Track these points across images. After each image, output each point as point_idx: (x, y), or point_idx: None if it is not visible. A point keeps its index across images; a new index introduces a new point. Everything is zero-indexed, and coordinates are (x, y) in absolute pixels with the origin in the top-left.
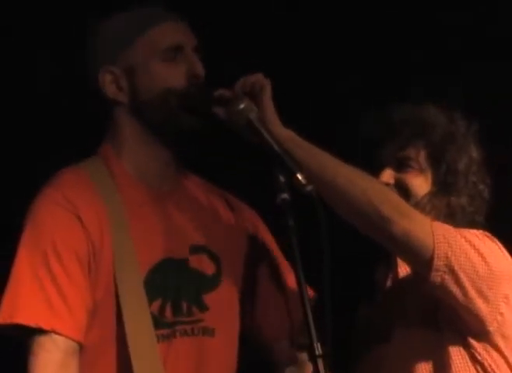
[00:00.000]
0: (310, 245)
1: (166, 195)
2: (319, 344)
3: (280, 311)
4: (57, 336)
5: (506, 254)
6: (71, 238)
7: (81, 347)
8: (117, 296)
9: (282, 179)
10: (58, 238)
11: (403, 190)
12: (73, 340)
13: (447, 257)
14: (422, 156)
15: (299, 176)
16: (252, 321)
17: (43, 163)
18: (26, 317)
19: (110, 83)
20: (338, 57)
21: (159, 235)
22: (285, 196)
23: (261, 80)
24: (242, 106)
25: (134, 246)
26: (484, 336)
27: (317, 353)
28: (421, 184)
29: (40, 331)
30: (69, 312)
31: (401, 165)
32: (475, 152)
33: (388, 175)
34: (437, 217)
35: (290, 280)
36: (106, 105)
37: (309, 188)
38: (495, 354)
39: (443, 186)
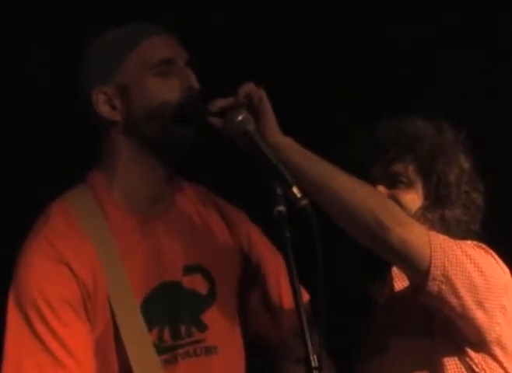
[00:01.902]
0: (305, 259)
1: (157, 219)
2: (315, 356)
3: (277, 320)
4: None
5: (502, 265)
6: (62, 288)
7: None
8: (115, 330)
9: (278, 191)
10: (48, 290)
11: None
12: None
13: (444, 266)
14: (411, 170)
15: (295, 190)
16: (251, 331)
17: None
18: None
19: (103, 103)
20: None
21: (151, 262)
22: (281, 208)
23: (256, 90)
24: (240, 118)
25: (127, 278)
26: (482, 346)
27: (313, 365)
28: (413, 199)
29: None
30: (74, 361)
31: (391, 182)
32: (465, 162)
33: None
34: (432, 230)
35: (285, 291)
36: (99, 127)
37: (304, 202)
38: (494, 365)
39: (435, 198)
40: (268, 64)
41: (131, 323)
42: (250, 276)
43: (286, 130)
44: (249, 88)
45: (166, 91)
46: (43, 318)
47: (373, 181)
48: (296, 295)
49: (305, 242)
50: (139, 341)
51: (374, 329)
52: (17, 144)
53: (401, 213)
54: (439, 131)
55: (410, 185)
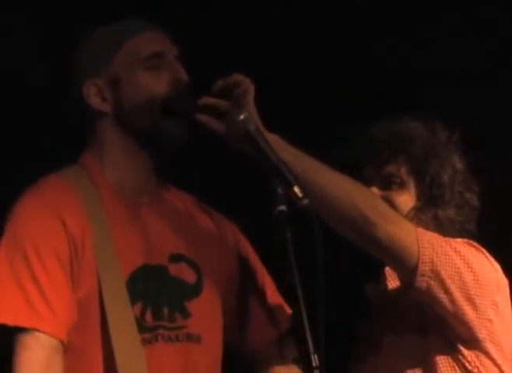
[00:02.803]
0: (304, 259)
1: (145, 206)
2: (316, 356)
3: (263, 323)
4: (39, 335)
5: (493, 262)
6: (52, 238)
7: (64, 346)
8: (99, 296)
9: (279, 191)
10: (39, 238)
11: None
12: (56, 338)
13: (432, 262)
14: (404, 171)
15: (296, 189)
16: (235, 333)
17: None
18: (4, 316)
19: (94, 95)
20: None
21: (138, 244)
22: (282, 208)
23: (244, 82)
24: (242, 117)
25: (116, 253)
26: (474, 343)
27: (314, 364)
28: (406, 200)
29: (23, 330)
30: (50, 310)
31: (384, 183)
32: (458, 162)
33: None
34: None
35: (271, 291)
36: (89, 117)
37: (305, 201)
38: (487, 362)
39: (428, 199)
40: (267, 64)
41: (116, 293)
42: (238, 273)
43: (286, 130)
44: (241, 77)
45: (155, 85)
46: (29, 267)
47: (366, 182)
48: (296, 294)
49: (305, 241)
50: (122, 313)
51: (369, 329)
52: (16, 143)
53: (389, 209)
54: (432, 132)
55: (403, 186)
